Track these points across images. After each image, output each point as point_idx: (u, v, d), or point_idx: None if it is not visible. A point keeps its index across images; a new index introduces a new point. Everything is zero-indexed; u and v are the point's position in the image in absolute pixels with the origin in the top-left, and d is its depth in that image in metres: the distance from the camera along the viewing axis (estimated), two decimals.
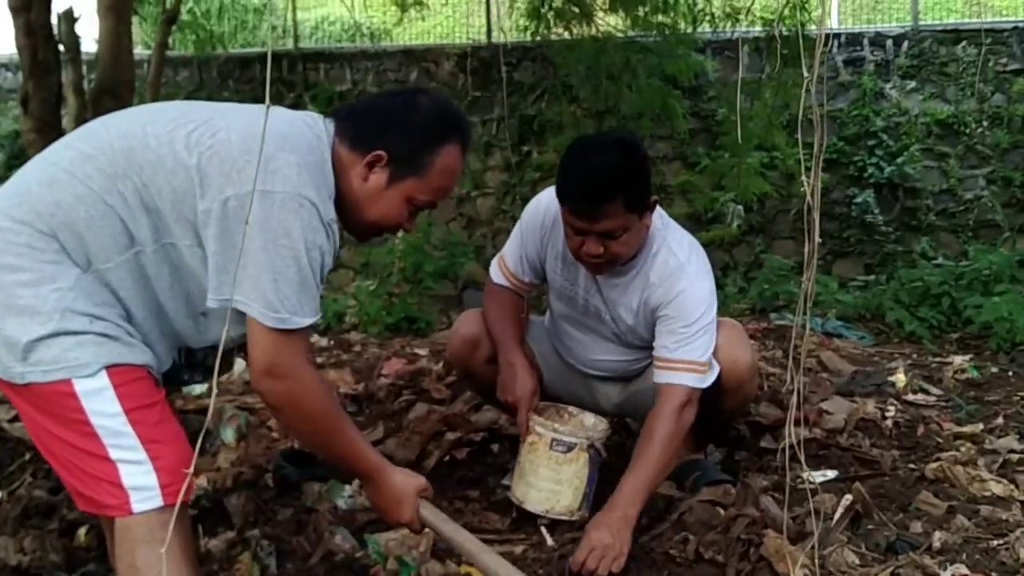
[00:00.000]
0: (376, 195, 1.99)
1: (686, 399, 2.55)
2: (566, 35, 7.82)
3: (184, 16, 9.42)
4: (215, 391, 1.36)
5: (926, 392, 3.82)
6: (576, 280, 2.79)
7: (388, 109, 2.03)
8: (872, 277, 7.69)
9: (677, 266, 2.65)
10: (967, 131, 8.41)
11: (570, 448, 2.60)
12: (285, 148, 1.81)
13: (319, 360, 4.12)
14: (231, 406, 3.23)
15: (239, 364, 3.66)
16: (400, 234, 6.20)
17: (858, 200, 8.34)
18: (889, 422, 3.30)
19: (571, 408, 2.85)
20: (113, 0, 5.94)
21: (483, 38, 9.38)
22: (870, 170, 8.39)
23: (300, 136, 1.89)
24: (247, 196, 1.72)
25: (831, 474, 2.87)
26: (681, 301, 2.61)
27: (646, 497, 2.52)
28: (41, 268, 1.72)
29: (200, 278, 1.85)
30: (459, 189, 8.59)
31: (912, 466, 2.94)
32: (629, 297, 2.72)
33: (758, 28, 7.63)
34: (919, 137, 8.46)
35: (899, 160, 8.35)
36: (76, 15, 6.37)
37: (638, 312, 2.73)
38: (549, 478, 2.61)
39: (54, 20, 5.92)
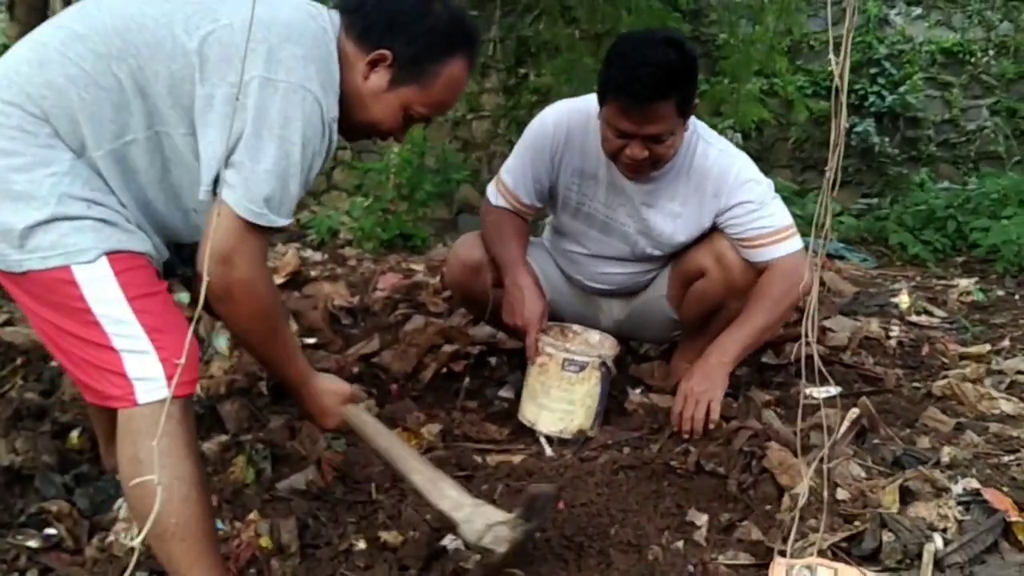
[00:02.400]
0: (374, 96, 1.91)
1: (795, 263, 2.52)
2: None
3: None
4: (203, 293, 1.28)
5: (930, 314, 3.77)
6: (595, 194, 2.71)
7: (400, 9, 1.92)
8: (875, 201, 7.60)
9: (718, 154, 2.61)
10: (972, 60, 8.25)
11: (582, 367, 2.53)
12: (291, 39, 1.73)
13: (313, 273, 4.03)
14: None
15: None
16: (396, 149, 6.14)
17: (858, 129, 8.18)
18: (893, 342, 3.25)
19: (575, 326, 2.78)
20: None
21: None
22: (871, 99, 8.23)
23: (305, 27, 1.80)
24: (249, 82, 1.66)
25: (835, 390, 2.81)
26: (742, 182, 2.58)
27: (744, 349, 2.54)
28: (35, 152, 1.64)
29: (192, 170, 1.77)
30: (455, 112, 8.41)
31: (917, 384, 2.90)
32: (668, 200, 2.65)
33: None
34: (923, 66, 8.30)
35: (901, 89, 8.18)
36: None
37: (680, 215, 2.66)
38: (562, 399, 2.55)
39: None
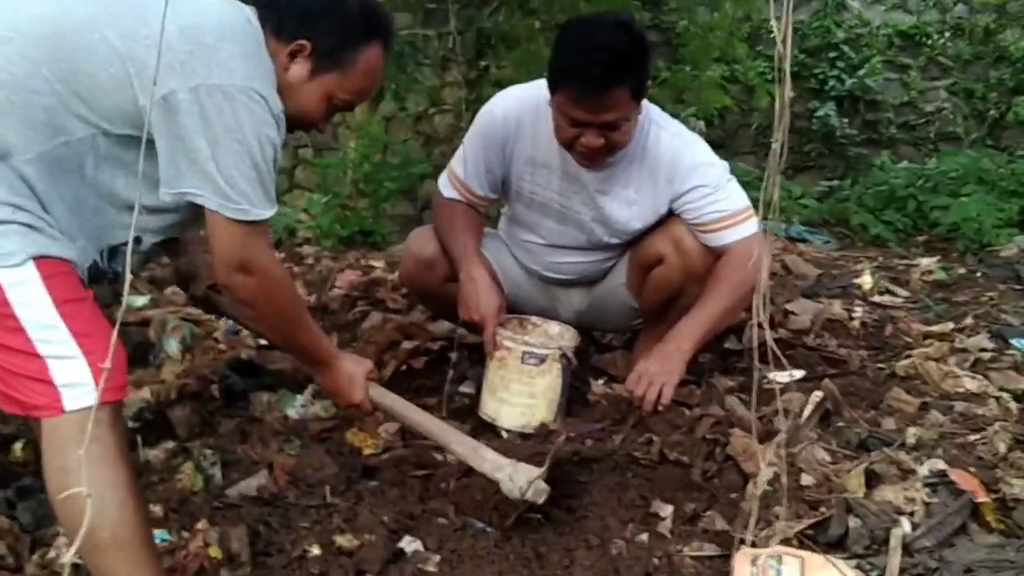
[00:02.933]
0: (296, 87, 1.91)
1: (751, 248, 2.45)
2: None
3: None
4: (127, 286, 1.19)
5: (893, 294, 3.73)
6: (549, 183, 2.64)
7: (313, 1, 1.93)
8: (836, 183, 7.59)
9: (671, 138, 2.55)
10: (929, 42, 8.27)
11: (542, 360, 2.46)
12: (226, 38, 1.72)
13: None
14: (174, 317, 3.05)
15: None
16: (352, 144, 6.03)
17: (819, 113, 8.19)
18: (856, 323, 3.20)
19: (533, 318, 2.72)
20: None
21: None
22: (831, 83, 8.22)
23: (236, 22, 1.78)
24: (194, 89, 1.66)
25: (798, 374, 2.76)
26: (695, 166, 2.53)
27: (703, 335, 2.48)
28: None
29: (130, 168, 1.73)
30: (416, 106, 8.32)
31: (881, 365, 2.85)
32: (623, 187, 2.59)
33: None
34: (880, 49, 8.31)
35: (860, 72, 8.19)
36: None
37: (635, 202, 2.60)
38: (522, 392, 2.48)
39: None
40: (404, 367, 2.96)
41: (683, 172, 2.52)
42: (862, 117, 8.35)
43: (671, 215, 2.61)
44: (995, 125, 8.26)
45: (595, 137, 2.37)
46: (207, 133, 1.66)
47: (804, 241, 5.23)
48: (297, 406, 2.65)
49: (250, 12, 1.85)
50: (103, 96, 1.66)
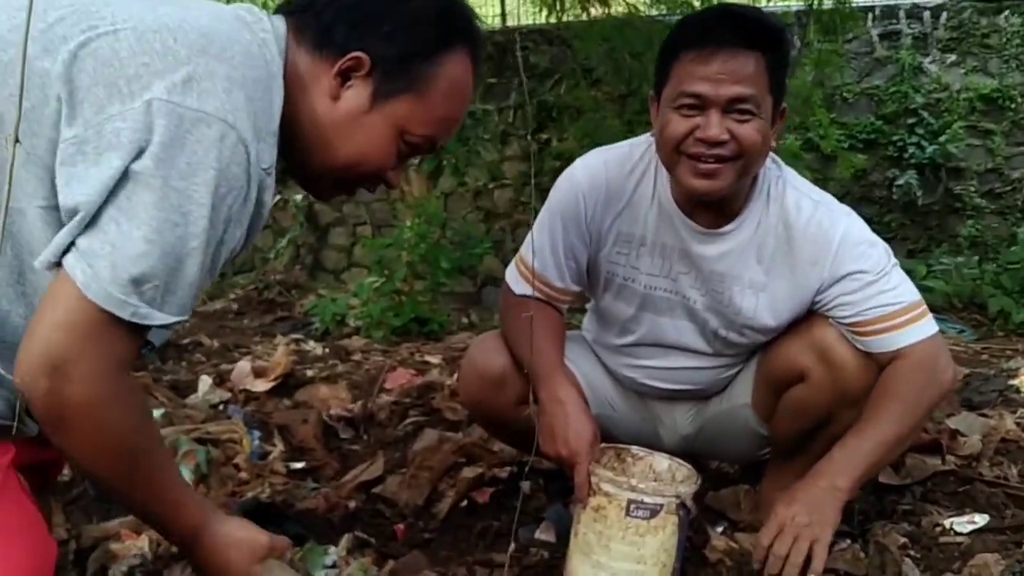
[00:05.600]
0: (353, 120, 1.30)
1: (933, 351, 1.81)
2: (584, 17, 7.04)
3: None
4: None
5: None
6: (648, 262, 1.97)
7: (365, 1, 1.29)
8: (960, 259, 6.78)
9: (813, 206, 1.88)
10: (1012, 106, 7.54)
11: (654, 512, 1.73)
12: (209, 53, 1.13)
13: (309, 372, 3.27)
14: (187, 438, 2.39)
15: (204, 382, 2.84)
16: (407, 222, 5.40)
17: (899, 182, 7.49)
18: None
19: (633, 448, 1.97)
20: None
21: (497, 22, 8.61)
22: (911, 150, 7.52)
23: (233, 39, 1.18)
24: (147, 106, 1.08)
25: (980, 520, 2.02)
26: (852, 245, 1.85)
27: (869, 470, 1.77)
28: None
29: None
30: (475, 181, 7.83)
31: None
32: (748, 264, 1.91)
33: (792, 2, 6.87)
34: (962, 114, 7.61)
35: (941, 139, 7.48)
36: None
37: (765, 287, 1.91)
38: (627, 556, 1.74)
39: None
40: (465, 501, 2.29)
41: (835, 252, 1.84)
42: (944, 185, 7.63)
43: (813, 313, 1.92)
44: None
45: (718, 126, 1.71)
46: (143, 171, 1.10)
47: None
48: (327, 563, 1.97)
49: (271, 30, 1.25)
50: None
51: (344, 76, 1.28)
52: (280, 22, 1.29)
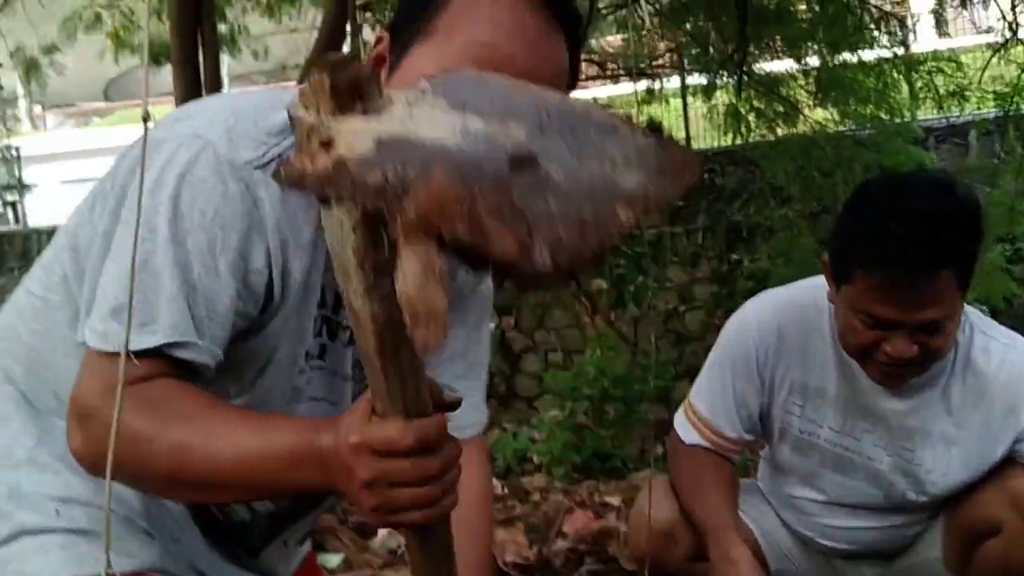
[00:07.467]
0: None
1: None
2: (770, 136, 6.96)
3: None
4: None
5: None
6: (827, 417, 1.86)
7: None
8: None
9: (1003, 349, 1.78)
10: None
11: None
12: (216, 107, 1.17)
13: None
14: None
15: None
16: (588, 353, 5.33)
17: None
18: None
19: None
20: None
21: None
22: None
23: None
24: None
25: None
26: None
27: None
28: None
29: None
30: (665, 304, 7.76)
31: None
32: (938, 419, 1.78)
33: (987, 109, 6.52)
34: None
35: None
36: None
37: (956, 441, 1.78)
38: None
39: None
40: None
41: None
42: None
43: (1006, 462, 1.79)
44: None
45: (906, 344, 1.60)
46: (114, 212, 1.11)
47: None
48: None
49: None
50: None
51: (378, 62, 1.15)
52: None
